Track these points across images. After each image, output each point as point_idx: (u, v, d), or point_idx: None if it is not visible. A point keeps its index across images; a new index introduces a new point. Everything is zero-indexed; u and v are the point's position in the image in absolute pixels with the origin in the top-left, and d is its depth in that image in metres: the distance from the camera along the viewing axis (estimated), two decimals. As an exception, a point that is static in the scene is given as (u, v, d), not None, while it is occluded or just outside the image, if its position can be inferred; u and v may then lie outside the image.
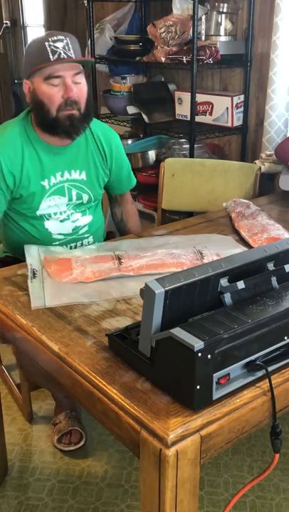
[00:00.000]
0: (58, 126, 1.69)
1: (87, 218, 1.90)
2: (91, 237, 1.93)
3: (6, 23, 5.27)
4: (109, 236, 2.11)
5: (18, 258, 1.79)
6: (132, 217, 2.13)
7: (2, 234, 1.95)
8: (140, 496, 1.04)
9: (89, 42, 3.23)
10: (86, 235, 1.92)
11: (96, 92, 3.22)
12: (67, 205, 1.83)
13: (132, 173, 2.04)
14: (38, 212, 1.79)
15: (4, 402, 2.21)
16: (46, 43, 1.63)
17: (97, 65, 3.26)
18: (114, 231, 2.21)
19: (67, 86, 1.65)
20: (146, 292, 1.02)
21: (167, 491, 0.97)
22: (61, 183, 1.79)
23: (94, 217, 1.92)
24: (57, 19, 4.50)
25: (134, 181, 2.06)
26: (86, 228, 1.90)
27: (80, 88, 1.69)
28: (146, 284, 1.02)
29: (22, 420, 2.17)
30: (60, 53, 1.63)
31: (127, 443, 1.05)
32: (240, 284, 1.11)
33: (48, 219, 1.81)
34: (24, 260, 1.64)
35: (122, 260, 1.58)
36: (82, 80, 1.70)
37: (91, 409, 1.15)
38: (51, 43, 1.63)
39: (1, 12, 5.27)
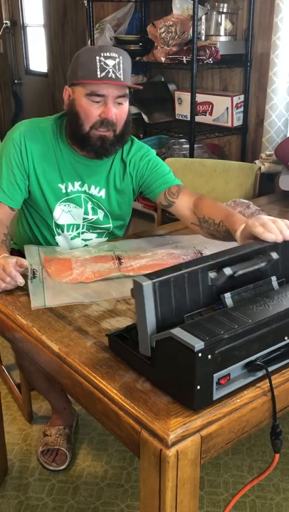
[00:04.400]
0: (88, 143, 1.65)
1: (102, 241, 1.85)
2: None
3: (6, 23, 5.28)
4: None
5: (23, 253, 1.78)
6: (204, 207, 1.70)
7: (15, 230, 1.92)
8: (140, 496, 1.04)
9: (89, 42, 3.23)
10: None
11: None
12: (83, 220, 1.79)
13: (171, 175, 1.84)
14: (54, 220, 1.75)
15: (4, 402, 2.21)
16: (97, 57, 1.56)
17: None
18: None
19: (108, 107, 1.59)
20: (135, 287, 1.02)
21: (167, 491, 0.97)
22: (78, 193, 1.76)
23: None
24: (57, 19, 4.51)
25: (172, 179, 1.83)
26: None
27: (120, 110, 1.63)
28: (133, 280, 1.02)
29: (22, 420, 2.17)
30: (108, 71, 1.56)
31: (127, 443, 1.05)
32: (228, 271, 1.12)
33: (60, 234, 1.79)
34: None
35: (122, 260, 1.58)
36: (125, 102, 1.64)
37: (91, 409, 1.15)
38: (102, 59, 1.56)
39: (1, 12, 5.28)
